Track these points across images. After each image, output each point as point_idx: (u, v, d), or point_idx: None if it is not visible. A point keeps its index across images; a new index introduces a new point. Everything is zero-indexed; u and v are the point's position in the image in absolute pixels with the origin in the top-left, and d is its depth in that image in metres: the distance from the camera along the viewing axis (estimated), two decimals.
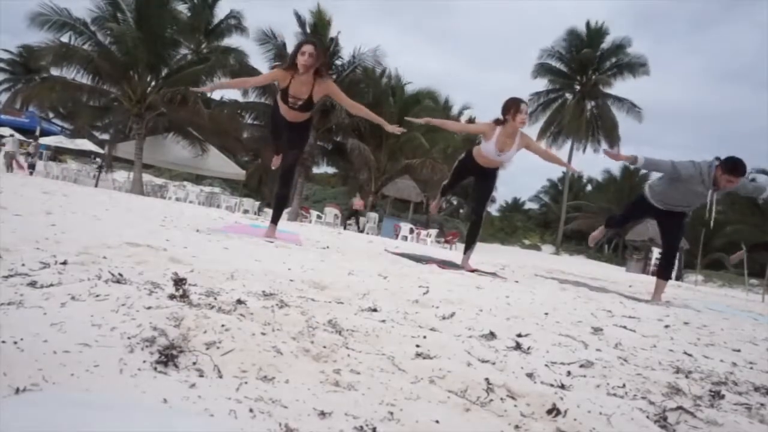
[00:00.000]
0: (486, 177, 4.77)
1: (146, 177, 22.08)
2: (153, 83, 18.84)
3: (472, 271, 4.44)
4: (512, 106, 4.35)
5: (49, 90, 18.83)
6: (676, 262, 24.17)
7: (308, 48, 4.03)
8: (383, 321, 1.54)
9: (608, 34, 33.92)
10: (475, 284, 3.15)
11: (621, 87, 37.99)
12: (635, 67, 32.83)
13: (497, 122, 4.43)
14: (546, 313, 2.31)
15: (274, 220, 4.65)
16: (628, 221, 5.08)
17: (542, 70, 34.36)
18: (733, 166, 4.03)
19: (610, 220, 5.19)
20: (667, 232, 4.60)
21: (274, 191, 4.88)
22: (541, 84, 34.94)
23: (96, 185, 16.83)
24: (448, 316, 1.81)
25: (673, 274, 23.79)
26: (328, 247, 4.67)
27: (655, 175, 4.60)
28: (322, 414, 0.81)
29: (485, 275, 4.23)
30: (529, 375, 1.21)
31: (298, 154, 4.63)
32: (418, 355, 1.21)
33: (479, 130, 4.66)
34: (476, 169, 4.73)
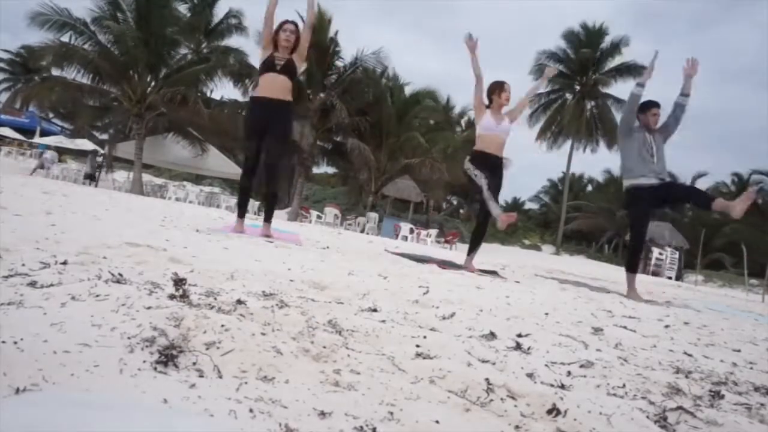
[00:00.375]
0: (493, 174, 4.72)
1: (146, 177, 22.09)
2: (153, 83, 18.83)
3: (474, 271, 4.45)
4: (496, 87, 4.81)
5: (49, 90, 18.84)
6: (677, 262, 23.92)
7: (289, 26, 4.53)
8: (383, 321, 1.54)
9: (607, 34, 33.98)
10: (475, 284, 3.16)
11: (622, 87, 37.97)
12: (635, 69, 32.86)
13: (486, 106, 4.85)
14: (546, 313, 2.31)
15: (268, 218, 4.64)
16: (644, 231, 4.76)
17: (540, 72, 34.38)
18: (645, 102, 4.71)
19: (632, 259, 4.84)
20: (671, 192, 4.76)
21: (262, 191, 4.86)
22: (540, 85, 34.92)
23: (96, 185, 16.83)
24: (448, 316, 1.81)
25: (674, 274, 23.71)
26: (328, 247, 4.66)
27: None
28: (322, 414, 0.81)
29: (485, 275, 4.23)
30: (529, 375, 1.21)
31: (281, 147, 4.60)
32: (418, 355, 1.21)
33: (476, 106, 4.90)
34: (485, 162, 4.70)
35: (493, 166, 4.74)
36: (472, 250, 4.83)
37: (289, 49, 4.51)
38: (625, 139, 4.76)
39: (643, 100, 4.73)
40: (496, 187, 4.80)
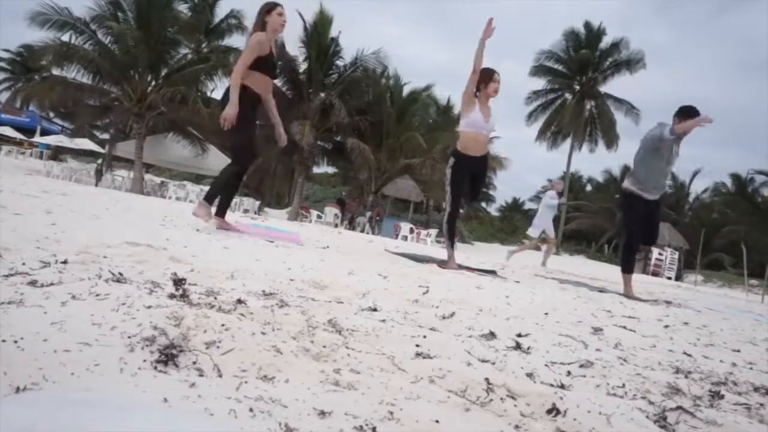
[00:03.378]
0: (476, 177, 4.63)
1: (146, 176, 22.08)
2: (153, 83, 18.82)
3: (469, 268, 4.45)
4: (485, 76, 4.49)
5: (50, 89, 18.83)
6: (677, 262, 23.92)
7: (284, 11, 4.16)
8: (383, 321, 1.54)
9: (605, 34, 34.14)
10: (475, 284, 3.15)
11: (620, 83, 38.07)
12: (632, 63, 32.99)
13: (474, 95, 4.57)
14: (546, 313, 2.31)
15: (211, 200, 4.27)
16: (640, 233, 4.75)
17: (540, 71, 34.45)
18: (688, 109, 4.46)
19: (627, 259, 4.85)
20: (651, 227, 4.77)
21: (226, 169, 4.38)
22: (540, 83, 35.07)
23: (96, 185, 16.84)
24: (448, 316, 1.81)
25: (673, 274, 23.71)
26: (328, 247, 4.66)
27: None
28: (322, 413, 0.81)
29: (485, 275, 4.23)
30: (529, 375, 1.21)
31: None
32: (418, 354, 1.21)
33: (467, 98, 4.54)
34: (470, 167, 4.55)
35: (477, 168, 4.56)
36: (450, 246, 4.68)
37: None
38: (653, 153, 4.60)
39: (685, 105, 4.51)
40: (475, 189, 4.68)
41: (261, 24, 4.13)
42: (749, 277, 16.09)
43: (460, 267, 4.55)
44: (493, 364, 1.25)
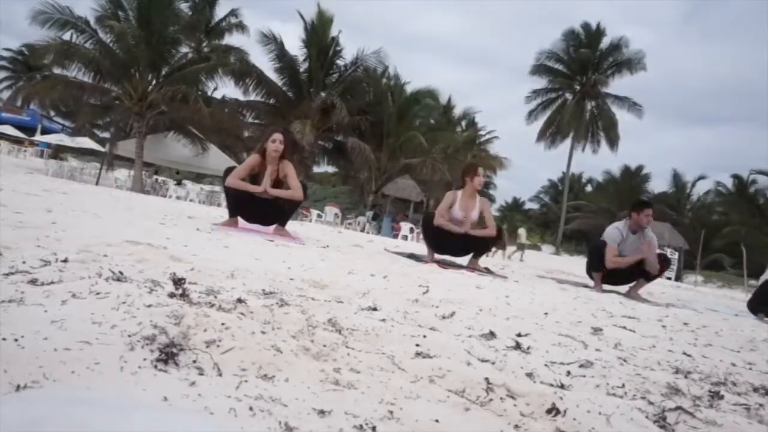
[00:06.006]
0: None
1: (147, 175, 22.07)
2: (154, 81, 18.82)
3: (473, 270, 4.46)
4: (471, 170, 4.88)
5: (51, 88, 18.82)
6: (677, 262, 23.99)
7: (278, 136, 4.43)
8: (383, 320, 1.54)
9: (605, 35, 34.24)
10: (475, 284, 3.16)
11: (620, 83, 38.20)
12: (633, 64, 33.07)
13: (457, 187, 4.91)
14: (546, 313, 2.31)
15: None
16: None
17: (541, 70, 34.48)
18: (640, 201, 4.85)
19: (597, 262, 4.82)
20: None
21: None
22: (541, 83, 35.13)
23: (97, 183, 16.85)
24: (448, 315, 1.82)
25: (673, 275, 23.77)
26: (328, 246, 4.66)
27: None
28: (322, 413, 0.81)
29: (485, 275, 4.23)
30: (529, 375, 1.21)
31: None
32: (418, 354, 1.21)
33: (447, 202, 4.82)
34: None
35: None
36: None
37: (278, 159, 4.42)
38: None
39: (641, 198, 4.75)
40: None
41: (261, 147, 4.47)
42: (749, 277, 16.07)
43: (460, 267, 4.57)
44: (493, 363, 1.25)
